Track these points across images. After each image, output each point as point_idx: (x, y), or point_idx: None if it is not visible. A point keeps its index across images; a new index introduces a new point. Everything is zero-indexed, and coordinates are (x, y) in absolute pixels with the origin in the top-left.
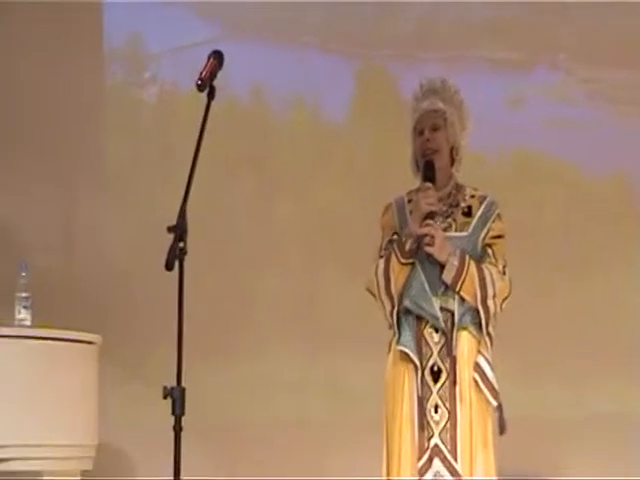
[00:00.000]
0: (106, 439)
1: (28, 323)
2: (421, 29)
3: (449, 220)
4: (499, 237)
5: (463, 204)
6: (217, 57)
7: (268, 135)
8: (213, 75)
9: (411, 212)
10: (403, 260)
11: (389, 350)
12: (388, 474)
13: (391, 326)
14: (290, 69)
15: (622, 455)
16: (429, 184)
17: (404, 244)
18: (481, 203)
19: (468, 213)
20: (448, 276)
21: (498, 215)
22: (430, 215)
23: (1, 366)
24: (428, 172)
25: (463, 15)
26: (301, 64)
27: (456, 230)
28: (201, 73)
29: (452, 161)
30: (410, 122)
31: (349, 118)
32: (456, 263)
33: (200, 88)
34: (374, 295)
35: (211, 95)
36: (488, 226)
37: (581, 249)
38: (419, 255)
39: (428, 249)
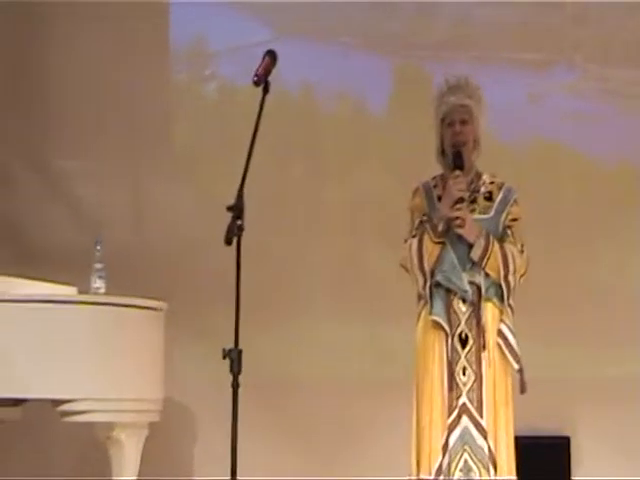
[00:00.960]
0: (172, 394)
1: (103, 291)
2: (452, 31)
3: (473, 204)
4: (517, 220)
5: (484, 189)
6: (271, 56)
7: (316, 126)
8: (268, 72)
9: (439, 197)
10: (436, 239)
11: (418, 319)
12: (418, 430)
13: (422, 298)
14: (336, 67)
15: (633, 412)
16: (459, 172)
17: (436, 225)
18: (500, 189)
19: (489, 198)
20: (475, 254)
21: (515, 200)
22: (460, 200)
23: (79, 329)
24: (458, 161)
25: (490, 19)
26: (345, 62)
27: (480, 213)
28: (257, 70)
29: (474, 150)
30: (436, 113)
31: (388, 111)
32: (483, 243)
33: (256, 83)
34: (407, 270)
35: (266, 90)
36: (507, 210)
37: (592, 228)
38: (449, 235)
39: (459, 230)
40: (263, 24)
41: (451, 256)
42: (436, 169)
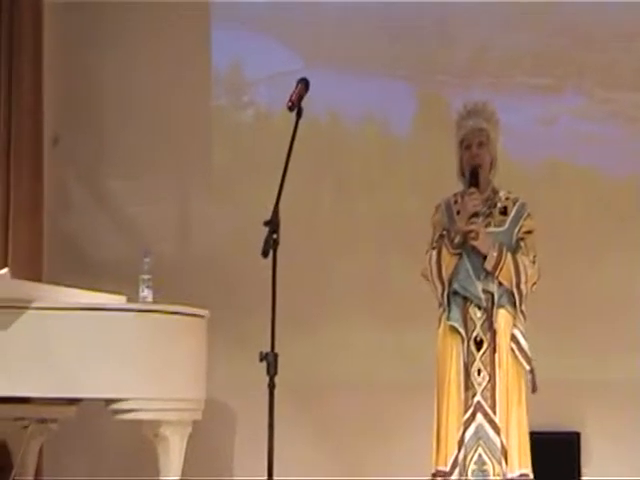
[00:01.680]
0: (213, 395)
1: (150, 300)
2: (470, 59)
3: (489, 218)
4: (529, 232)
5: (499, 205)
6: (304, 83)
7: (344, 147)
8: (301, 98)
9: (458, 212)
10: (452, 251)
11: (439, 324)
12: (438, 427)
13: (441, 305)
14: (361, 92)
15: (636, 413)
16: (474, 189)
17: (453, 238)
18: (514, 204)
19: (504, 212)
20: (489, 264)
21: (528, 214)
22: (475, 214)
23: (129, 335)
24: (473, 180)
25: (505, 48)
26: (371, 88)
27: (495, 226)
28: (291, 96)
29: (490, 169)
30: (456, 135)
31: (411, 133)
32: (495, 254)
33: (290, 109)
34: (427, 279)
35: (299, 114)
36: (520, 223)
37: (600, 240)
38: (465, 247)
39: (473, 242)
40: (295, 54)
41: (467, 266)
42: (457, 187)
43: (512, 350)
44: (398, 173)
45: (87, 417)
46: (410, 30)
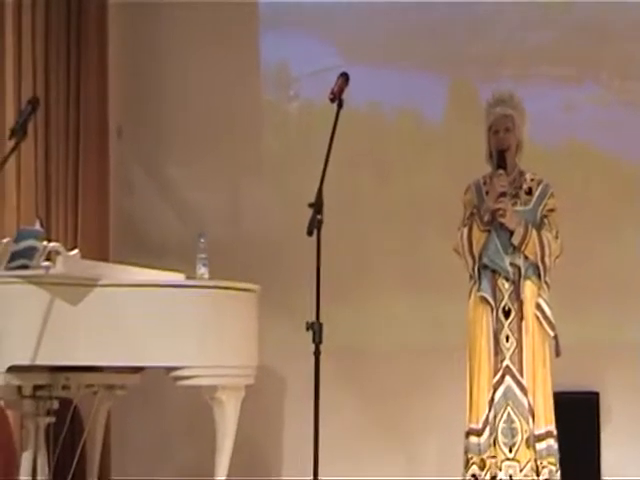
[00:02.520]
0: (264, 361)
1: (206, 276)
2: (498, 52)
3: (515, 198)
4: (552, 210)
5: (525, 185)
6: (344, 77)
7: (382, 135)
8: (342, 90)
9: (487, 192)
10: (482, 228)
11: (469, 295)
12: (470, 389)
13: (472, 277)
14: (397, 85)
15: None
16: (502, 171)
17: (483, 216)
18: (538, 185)
19: (529, 192)
20: (516, 240)
21: (552, 194)
22: (502, 194)
23: (188, 308)
24: (501, 162)
25: (529, 41)
26: (406, 81)
27: (521, 205)
28: (333, 89)
29: (516, 153)
30: (485, 122)
31: (444, 121)
32: (522, 230)
33: (332, 100)
34: (459, 254)
35: (340, 105)
36: (544, 202)
37: (616, 217)
38: (494, 224)
39: (501, 220)
40: (336, 51)
41: (495, 242)
42: (486, 169)
43: (537, 318)
44: (431, 157)
45: (150, 384)
46: (442, 27)
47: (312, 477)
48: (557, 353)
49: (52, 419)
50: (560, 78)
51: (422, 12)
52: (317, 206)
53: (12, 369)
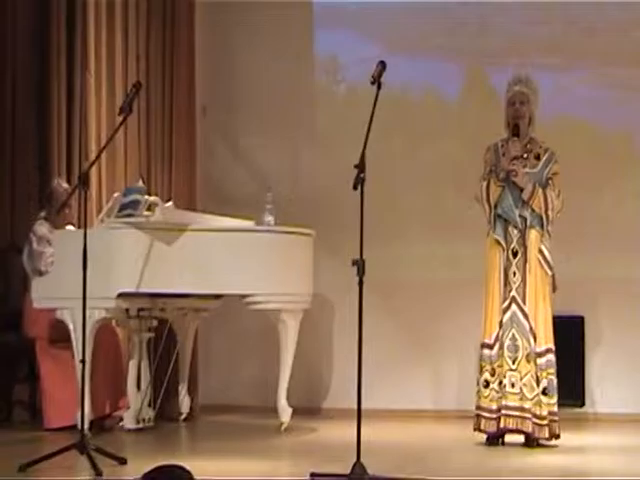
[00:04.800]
0: (318, 290)
1: (272, 223)
2: (503, 45)
3: (526, 161)
4: (556, 174)
5: (534, 151)
6: (382, 64)
7: (412, 110)
8: (380, 75)
9: (503, 154)
10: (498, 183)
11: (487, 235)
12: (485, 312)
13: (489, 222)
14: (424, 71)
15: (631, 302)
16: (516, 138)
17: (499, 174)
18: (546, 152)
19: (538, 157)
20: (525, 196)
21: (556, 160)
22: (515, 158)
23: (257, 248)
24: (515, 130)
25: (530, 36)
26: (431, 67)
27: (530, 168)
28: (373, 74)
29: (529, 124)
30: (505, 96)
31: (461, 99)
32: (530, 188)
33: (372, 83)
34: (478, 201)
35: (379, 87)
36: (549, 167)
37: (598, 176)
38: (508, 181)
39: (514, 179)
40: (376, 44)
41: (508, 196)
42: (494, 139)
43: (539, 260)
44: (450, 128)
45: (228, 308)
46: (459, 24)
47: (357, 385)
48: (554, 289)
49: (152, 335)
50: (554, 65)
51: (444, 12)
52: (361, 167)
53: (121, 295)
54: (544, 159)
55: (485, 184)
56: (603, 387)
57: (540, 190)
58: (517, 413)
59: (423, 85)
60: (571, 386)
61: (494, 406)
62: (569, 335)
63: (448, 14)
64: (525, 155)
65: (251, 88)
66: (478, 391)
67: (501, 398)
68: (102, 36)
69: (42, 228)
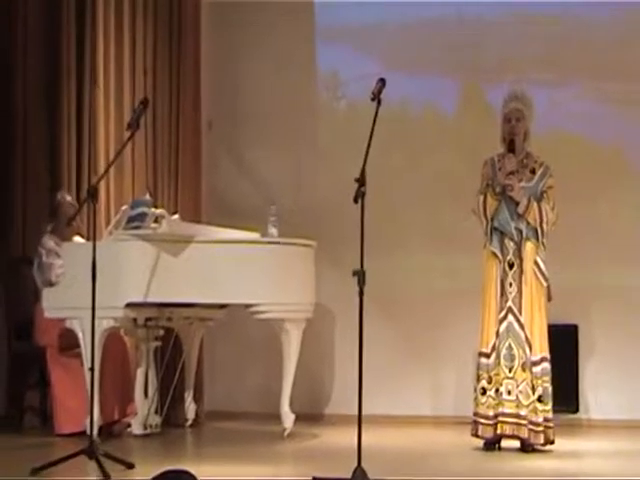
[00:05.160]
0: (320, 300)
1: (276, 235)
2: (498, 61)
3: (521, 175)
4: (550, 187)
5: (530, 166)
6: (382, 81)
7: (410, 125)
8: (380, 91)
9: (499, 168)
10: (495, 197)
11: (484, 247)
12: (482, 322)
13: (485, 234)
14: (422, 87)
15: (626, 311)
16: (511, 154)
17: (495, 188)
18: (541, 166)
19: (533, 172)
20: (520, 209)
21: (550, 174)
22: (511, 172)
23: (261, 259)
24: (511, 146)
25: (523, 53)
26: (428, 84)
27: (526, 182)
28: (373, 90)
29: (525, 139)
30: (501, 112)
31: (457, 114)
32: (525, 202)
33: (372, 99)
34: (476, 214)
35: (379, 103)
36: (544, 181)
37: (591, 188)
38: (504, 195)
39: (510, 193)
40: (376, 61)
41: (504, 210)
42: (489, 152)
43: (534, 271)
44: (447, 143)
45: (233, 317)
46: (456, 42)
47: (357, 391)
48: (549, 299)
49: (159, 343)
50: (549, 80)
51: (441, 30)
52: (361, 180)
53: (129, 305)
54: (539, 173)
55: (482, 198)
56: (596, 394)
57: (535, 203)
58: (513, 420)
59: (421, 101)
60: (565, 392)
61: (491, 413)
62: (563, 343)
63: (445, 32)
64: (521, 170)
65: (255, 103)
66: (475, 398)
67: (498, 405)
68: (110, 51)
69: (50, 241)
